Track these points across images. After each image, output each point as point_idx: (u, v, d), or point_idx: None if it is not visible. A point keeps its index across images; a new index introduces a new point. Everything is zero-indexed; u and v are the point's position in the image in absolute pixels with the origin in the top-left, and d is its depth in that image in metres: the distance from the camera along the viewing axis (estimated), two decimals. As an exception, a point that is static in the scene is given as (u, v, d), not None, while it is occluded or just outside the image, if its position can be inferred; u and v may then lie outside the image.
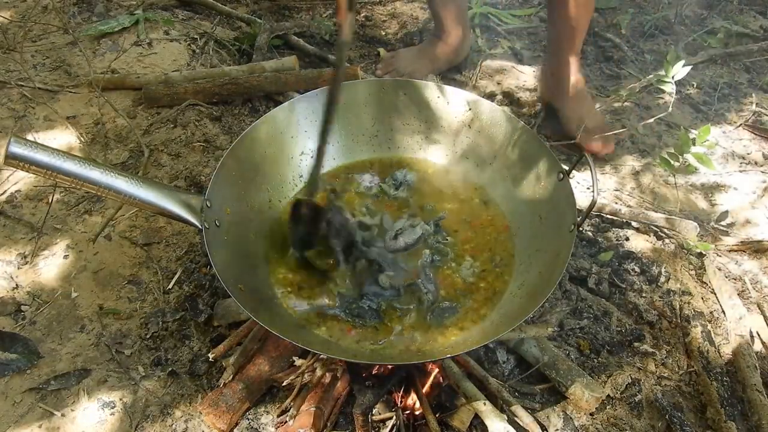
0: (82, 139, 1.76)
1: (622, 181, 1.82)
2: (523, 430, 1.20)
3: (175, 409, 1.25)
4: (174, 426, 1.22)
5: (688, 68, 1.65)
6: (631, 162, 1.88)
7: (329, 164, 1.43)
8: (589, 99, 1.91)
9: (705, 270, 1.58)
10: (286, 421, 1.17)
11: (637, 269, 1.56)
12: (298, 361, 1.27)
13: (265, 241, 1.29)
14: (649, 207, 1.73)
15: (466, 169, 1.43)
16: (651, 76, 2.14)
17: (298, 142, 1.39)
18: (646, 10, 2.53)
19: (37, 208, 1.59)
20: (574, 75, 1.86)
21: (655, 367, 1.37)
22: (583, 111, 1.86)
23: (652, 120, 1.87)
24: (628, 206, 1.71)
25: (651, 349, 1.39)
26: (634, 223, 1.67)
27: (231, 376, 1.23)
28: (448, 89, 1.40)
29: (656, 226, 1.66)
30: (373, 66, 2.17)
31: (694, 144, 1.62)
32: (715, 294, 1.54)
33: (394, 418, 1.20)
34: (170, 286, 1.46)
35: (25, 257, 1.48)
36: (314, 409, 1.17)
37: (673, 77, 1.67)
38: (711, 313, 1.50)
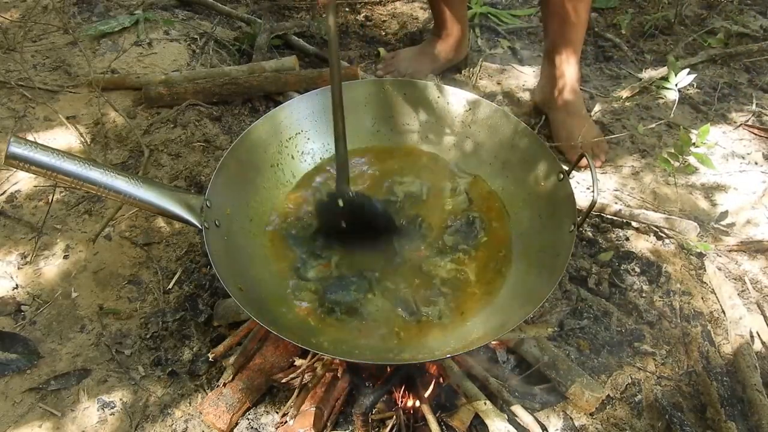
0: (82, 139, 1.76)
1: (622, 181, 1.82)
2: (524, 429, 1.20)
3: (175, 409, 1.25)
4: (174, 426, 1.22)
5: (693, 76, 1.65)
6: (631, 162, 1.88)
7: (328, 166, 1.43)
8: (582, 112, 1.87)
9: (705, 270, 1.58)
10: (286, 422, 1.17)
11: (637, 269, 1.56)
12: (298, 361, 1.27)
13: (266, 241, 1.29)
14: (649, 207, 1.73)
15: (466, 169, 1.43)
16: (651, 75, 2.14)
17: (298, 142, 1.39)
18: (646, 10, 2.53)
19: (37, 208, 1.59)
20: (570, 84, 1.81)
21: (655, 367, 1.37)
22: (574, 125, 1.83)
23: (654, 125, 1.87)
24: (628, 206, 1.71)
25: (651, 349, 1.39)
26: (634, 223, 1.67)
27: (231, 376, 1.23)
28: (448, 89, 1.40)
29: (656, 226, 1.66)
30: (373, 66, 2.17)
31: (694, 144, 1.62)
32: (715, 294, 1.54)
33: (394, 418, 1.20)
34: (170, 286, 1.46)
35: (25, 257, 1.48)
36: (314, 409, 1.17)
37: (676, 85, 1.67)
38: (711, 313, 1.50)
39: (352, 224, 1.24)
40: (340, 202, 1.22)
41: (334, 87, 1.15)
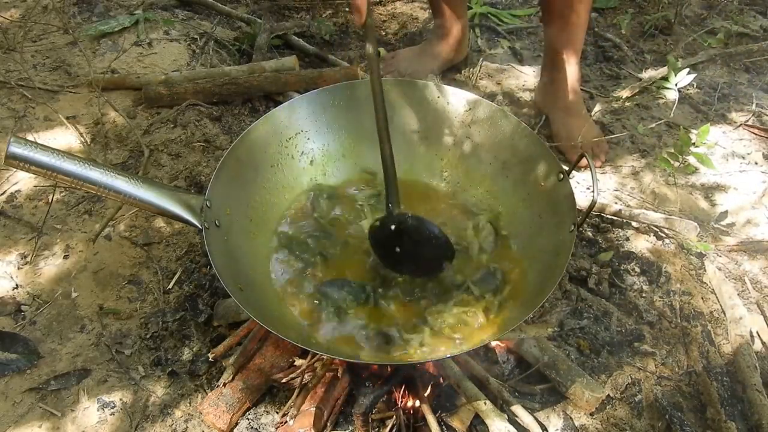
0: (82, 139, 1.76)
1: (622, 181, 1.82)
2: (524, 429, 1.20)
3: (175, 409, 1.25)
4: (174, 426, 1.22)
5: (692, 76, 1.65)
6: (631, 162, 1.88)
7: (330, 172, 1.43)
8: (583, 112, 1.87)
9: (705, 270, 1.58)
10: (286, 422, 1.17)
11: (637, 269, 1.56)
12: (298, 361, 1.27)
13: (266, 241, 1.29)
14: (649, 207, 1.73)
15: (466, 169, 1.43)
16: (651, 75, 2.14)
17: (298, 142, 1.39)
18: (646, 10, 2.53)
19: (37, 208, 1.59)
20: (571, 85, 1.81)
21: (655, 367, 1.37)
22: (574, 125, 1.83)
23: (654, 125, 1.87)
24: (628, 206, 1.71)
25: (651, 349, 1.39)
26: (634, 223, 1.67)
27: (231, 376, 1.23)
28: (449, 89, 1.40)
29: (656, 226, 1.66)
30: (373, 66, 2.17)
31: (694, 144, 1.62)
32: (715, 294, 1.54)
33: (394, 418, 1.20)
34: (170, 286, 1.46)
35: (25, 257, 1.48)
36: (314, 409, 1.17)
37: (676, 84, 1.67)
38: (711, 313, 1.50)
39: (407, 247, 1.19)
40: (393, 227, 1.19)
41: (378, 108, 1.15)
